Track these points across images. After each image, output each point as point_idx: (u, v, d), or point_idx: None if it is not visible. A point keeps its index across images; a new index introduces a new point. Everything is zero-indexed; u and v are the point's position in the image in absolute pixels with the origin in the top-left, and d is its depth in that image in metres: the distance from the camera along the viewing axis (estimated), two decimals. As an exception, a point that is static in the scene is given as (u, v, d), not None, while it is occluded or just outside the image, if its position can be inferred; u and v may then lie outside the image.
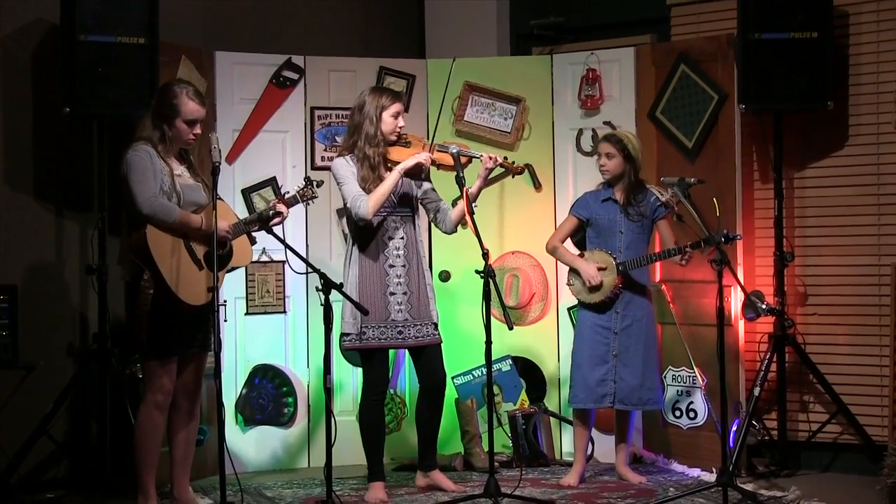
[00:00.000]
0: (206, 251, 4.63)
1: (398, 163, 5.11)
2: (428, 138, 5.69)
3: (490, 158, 5.11)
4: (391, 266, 5.13)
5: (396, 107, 5.15)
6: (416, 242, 5.21)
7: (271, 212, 4.80)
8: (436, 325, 5.21)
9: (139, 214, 4.53)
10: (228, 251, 4.73)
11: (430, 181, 5.28)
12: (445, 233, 5.32)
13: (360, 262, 5.11)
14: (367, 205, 5.00)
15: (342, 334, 5.14)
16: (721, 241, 4.94)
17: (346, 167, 5.10)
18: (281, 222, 4.82)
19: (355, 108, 5.17)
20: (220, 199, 4.77)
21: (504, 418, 5.90)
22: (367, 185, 5.06)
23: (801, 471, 5.72)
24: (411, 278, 5.16)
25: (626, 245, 5.36)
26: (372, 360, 5.15)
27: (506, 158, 5.22)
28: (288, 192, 4.98)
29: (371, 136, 5.10)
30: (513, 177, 5.37)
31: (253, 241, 4.93)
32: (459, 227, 5.31)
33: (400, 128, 5.17)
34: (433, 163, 5.14)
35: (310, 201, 4.99)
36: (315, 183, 4.96)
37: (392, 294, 5.12)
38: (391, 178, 5.04)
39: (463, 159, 5.13)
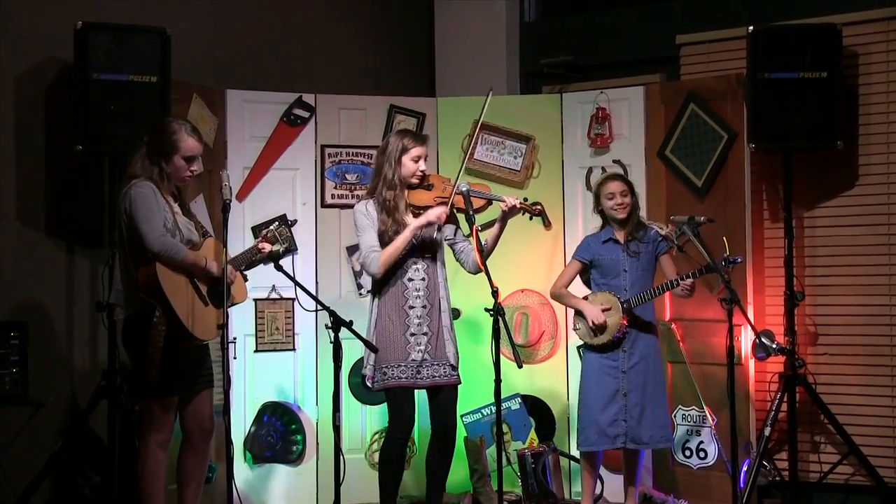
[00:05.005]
0: (208, 287, 4.64)
1: (419, 207, 5.07)
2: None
3: (512, 200, 5.07)
4: (411, 307, 5.07)
5: (418, 150, 5.07)
6: (438, 284, 5.12)
7: (255, 248, 4.78)
8: (453, 366, 5.13)
9: (147, 252, 4.49)
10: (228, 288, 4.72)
11: (455, 222, 5.18)
12: (469, 272, 5.20)
13: (381, 302, 5.07)
14: (377, 262, 4.96)
15: (365, 377, 5.10)
16: (723, 266, 4.94)
17: (364, 216, 5.05)
18: (263, 259, 4.76)
19: (379, 150, 5.13)
20: (210, 236, 4.77)
21: (513, 457, 5.87)
22: (387, 228, 5.01)
23: (813, 512, 5.70)
24: (432, 319, 5.09)
25: (631, 283, 5.35)
26: (396, 399, 5.11)
27: (525, 200, 5.13)
28: (268, 231, 4.94)
29: (389, 180, 5.04)
30: (530, 218, 5.20)
31: (245, 279, 4.91)
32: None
33: (421, 171, 5.09)
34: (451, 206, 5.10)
35: (285, 243, 4.91)
36: (291, 222, 4.94)
37: (413, 335, 5.08)
38: (403, 236, 4.97)
39: (482, 201, 5.11)
